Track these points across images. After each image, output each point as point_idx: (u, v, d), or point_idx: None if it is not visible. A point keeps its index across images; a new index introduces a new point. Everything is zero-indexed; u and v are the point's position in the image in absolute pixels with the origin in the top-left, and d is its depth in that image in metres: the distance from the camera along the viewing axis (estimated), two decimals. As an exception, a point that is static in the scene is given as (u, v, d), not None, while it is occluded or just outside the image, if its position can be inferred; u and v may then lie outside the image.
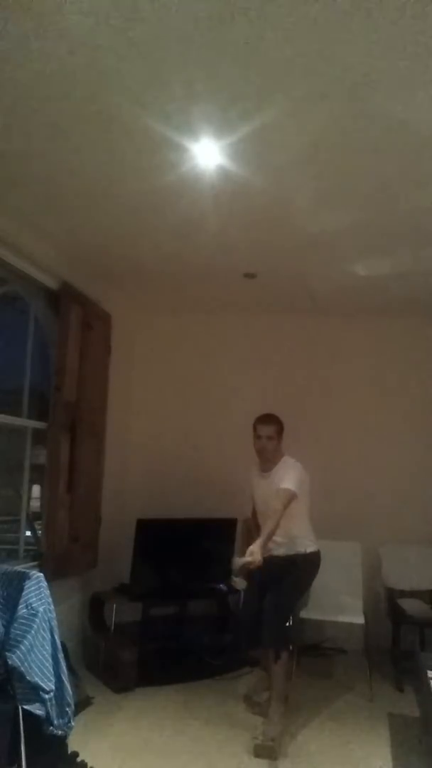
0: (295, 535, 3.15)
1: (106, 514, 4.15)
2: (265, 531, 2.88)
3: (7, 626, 2.16)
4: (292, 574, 3.12)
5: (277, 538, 3.05)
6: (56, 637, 2.27)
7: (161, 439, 4.65)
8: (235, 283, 4.00)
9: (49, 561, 3.43)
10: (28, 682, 2.11)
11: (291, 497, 2.96)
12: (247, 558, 2.71)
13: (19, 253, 3.26)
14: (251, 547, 2.76)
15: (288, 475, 3.05)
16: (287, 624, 3.16)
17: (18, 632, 2.14)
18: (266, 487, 3.15)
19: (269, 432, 3.21)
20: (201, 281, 4.13)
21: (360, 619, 3.69)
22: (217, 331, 4.78)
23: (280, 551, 3.14)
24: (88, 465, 3.90)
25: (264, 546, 2.82)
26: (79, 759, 2.49)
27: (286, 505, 2.93)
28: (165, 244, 3.46)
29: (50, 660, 2.20)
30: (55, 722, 2.21)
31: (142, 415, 4.67)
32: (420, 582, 4.08)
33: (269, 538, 2.88)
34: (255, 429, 3.26)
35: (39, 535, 3.70)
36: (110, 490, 4.22)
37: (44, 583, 2.28)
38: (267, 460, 3.24)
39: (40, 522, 3.69)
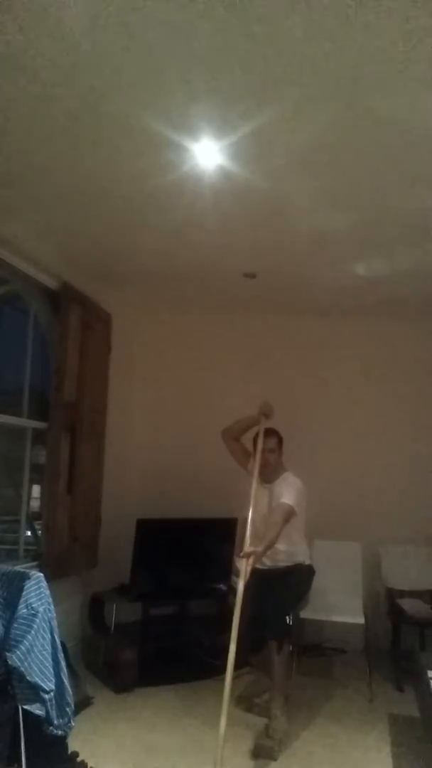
0: (293, 550, 3.26)
1: (106, 514, 4.15)
2: (266, 540, 2.94)
3: (7, 626, 2.16)
4: (291, 580, 3.24)
5: (277, 552, 3.18)
6: (56, 637, 2.27)
7: (161, 439, 4.64)
8: (235, 283, 4.00)
9: (49, 561, 3.43)
10: (28, 682, 2.11)
11: (290, 512, 3.05)
12: (245, 555, 2.80)
13: (19, 253, 3.26)
14: (250, 549, 2.84)
15: (288, 491, 3.14)
16: (287, 620, 3.27)
17: (18, 632, 2.14)
18: (264, 498, 3.25)
19: (271, 445, 3.36)
20: (201, 281, 4.13)
21: (360, 619, 3.69)
22: (217, 331, 4.77)
23: (279, 563, 3.24)
24: (88, 465, 3.90)
25: (264, 552, 2.91)
26: (79, 759, 2.48)
27: (287, 519, 3.03)
28: (165, 244, 3.46)
29: (50, 660, 2.20)
30: (55, 722, 2.21)
31: (142, 415, 4.66)
32: (420, 582, 4.08)
33: (270, 546, 2.95)
34: (256, 444, 3.39)
35: (39, 535, 3.70)
36: (110, 490, 4.22)
37: (44, 583, 2.28)
38: (269, 472, 3.33)
39: (40, 522, 3.69)
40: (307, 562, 3.32)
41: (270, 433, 3.41)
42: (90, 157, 2.50)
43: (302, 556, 3.29)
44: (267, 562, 3.21)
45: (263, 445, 3.36)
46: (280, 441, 3.41)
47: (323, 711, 3.31)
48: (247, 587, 2.73)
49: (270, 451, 3.35)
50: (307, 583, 3.33)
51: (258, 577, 3.01)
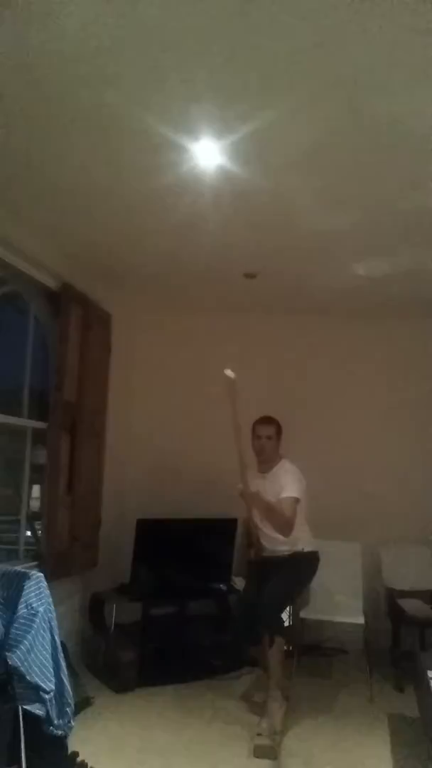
0: (294, 537, 3.23)
1: (106, 514, 4.15)
2: (274, 509, 3.06)
3: (7, 626, 2.16)
4: (291, 568, 3.24)
5: (276, 537, 3.23)
6: (56, 637, 2.26)
7: (161, 439, 4.64)
8: (235, 283, 4.00)
9: (49, 561, 3.43)
10: (28, 682, 2.11)
11: (296, 505, 3.09)
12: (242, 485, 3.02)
13: (19, 253, 3.25)
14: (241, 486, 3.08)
15: (289, 483, 3.17)
16: (283, 613, 3.31)
17: (18, 632, 2.14)
18: (263, 488, 3.24)
19: (268, 432, 3.35)
20: (201, 281, 4.13)
21: (360, 619, 3.69)
22: (217, 331, 4.77)
23: (278, 550, 3.27)
24: (88, 465, 3.90)
25: (259, 503, 3.10)
26: (79, 759, 2.48)
27: (295, 512, 3.07)
28: (165, 244, 3.46)
29: (50, 660, 2.20)
30: (55, 722, 2.21)
31: (143, 415, 4.66)
32: (420, 582, 4.08)
33: (268, 506, 3.10)
34: (254, 430, 3.38)
35: (39, 535, 3.70)
36: (110, 490, 4.22)
37: (44, 583, 2.27)
38: (265, 461, 3.35)
39: (40, 522, 3.69)
40: (308, 548, 3.30)
41: (267, 420, 3.39)
42: (90, 157, 2.50)
43: (301, 543, 3.28)
44: (268, 547, 3.31)
45: (260, 432, 3.35)
46: (279, 430, 3.39)
47: (323, 711, 3.30)
48: (249, 575, 2.78)
49: (267, 438, 3.33)
50: (308, 570, 3.31)
51: (259, 565, 3.13)
